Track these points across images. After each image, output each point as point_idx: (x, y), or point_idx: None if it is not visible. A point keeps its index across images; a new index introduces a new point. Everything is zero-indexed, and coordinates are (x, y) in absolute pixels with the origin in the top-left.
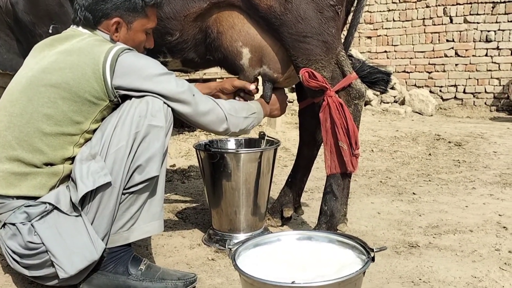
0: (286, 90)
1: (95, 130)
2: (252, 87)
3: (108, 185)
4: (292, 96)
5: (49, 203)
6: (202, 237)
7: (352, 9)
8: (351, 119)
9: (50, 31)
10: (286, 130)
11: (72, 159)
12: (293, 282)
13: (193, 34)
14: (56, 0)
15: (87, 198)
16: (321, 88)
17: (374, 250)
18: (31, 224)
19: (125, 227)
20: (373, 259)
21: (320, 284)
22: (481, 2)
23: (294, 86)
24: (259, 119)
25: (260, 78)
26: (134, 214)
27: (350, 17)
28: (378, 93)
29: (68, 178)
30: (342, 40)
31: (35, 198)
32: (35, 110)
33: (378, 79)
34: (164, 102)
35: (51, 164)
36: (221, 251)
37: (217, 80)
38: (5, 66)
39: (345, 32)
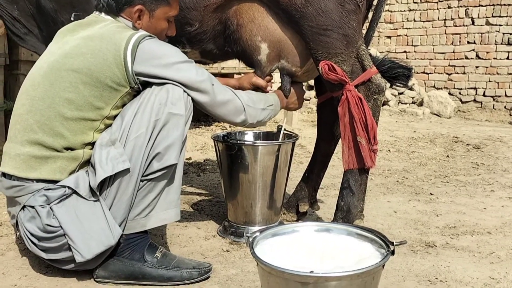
0: (304, 87)
1: (115, 116)
2: (268, 89)
3: (126, 171)
4: (309, 94)
5: (69, 187)
6: (217, 229)
7: (374, 3)
8: (370, 114)
9: (72, 19)
10: (302, 127)
11: (92, 144)
12: (311, 272)
13: (213, 25)
14: None
15: (105, 184)
16: (340, 82)
17: (395, 243)
18: (50, 207)
19: (143, 214)
20: (393, 252)
21: (339, 275)
22: (504, 4)
23: (311, 83)
24: (276, 111)
25: (278, 71)
26: (151, 201)
27: (371, 12)
28: (396, 93)
29: (87, 163)
30: (363, 35)
31: (54, 181)
32: (56, 95)
33: (398, 74)
34: (184, 91)
35: (71, 149)
36: (236, 243)
37: (235, 75)
38: (36, 48)
39: (367, 26)
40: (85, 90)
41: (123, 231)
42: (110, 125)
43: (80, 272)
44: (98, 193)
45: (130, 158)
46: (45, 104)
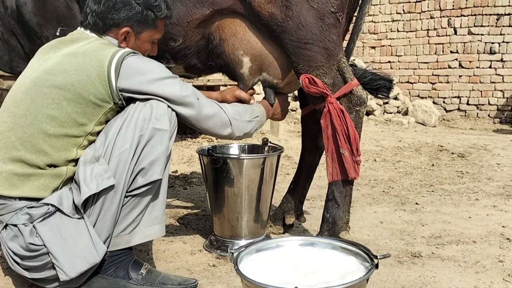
0: (289, 98)
1: (98, 133)
2: (252, 102)
3: (111, 188)
4: (294, 105)
5: (52, 205)
6: (203, 243)
7: (354, 16)
8: (352, 126)
9: (58, 34)
10: (289, 138)
11: (75, 161)
12: None
13: (196, 40)
14: (64, 2)
15: (89, 201)
16: (322, 94)
17: (378, 257)
18: (33, 226)
19: (127, 230)
20: (376, 266)
21: None
22: (486, 14)
23: (296, 94)
24: (262, 122)
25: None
26: (136, 217)
27: (352, 25)
28: (382, 103)
29: (71, 180)
30: (344, 47)
31: (37, 199)
32: (39, 111)
33: (380, 86)
34: (168, 106)
35: (54, 166)
36: (222, 257)
37: (221, 87)
38: (4, 66)
39: (348, 39)
40: (68, 106)
41: (107, 248)
42: (94, 141)
43: None
44: (82, 211)
45: (115, 174)
46: (28, 121)
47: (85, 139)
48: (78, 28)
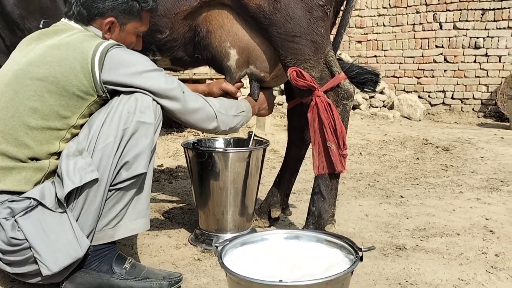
0: (275, 92)
1: (82, 126)
2: (238, 94)
3: (94, 181)
4: (281, 99)
5: (34, 199)
6: (188, 237)
7: (342, 9)
8: (339, 119)
9: (41, 26)
10: (275, 132)
11: (58, 154)
12: (280, 281)
13: (183, 33)
14: None
15: (72, 194)
16: (309, 88)
17: (363, 249)
18: (15, 220)
19: (111, 225)
20: (361, 258)
21: (308, 283)
22: (471, 9)
23: (283, 88)
24: (248, 117)
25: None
26: (120, 211)
27: (339, 18)
28: (367, 97)
29: (53, 173)
30: (331, 41)
31: (19, 193)
32: (21, 104)
33: (367, 80)
34: (153, 99)
35: (37, 159)
36: (208, 251)
37: (207, 80)
38: None
39: (335, 33)
40: (50, 99)
41: (90, 242)
42: (77, 134)
43: (47, 286)
44: (65, 204)
45: (98, 168)
46: (9, 113)
47: (68, 132)
48: (62, 19)
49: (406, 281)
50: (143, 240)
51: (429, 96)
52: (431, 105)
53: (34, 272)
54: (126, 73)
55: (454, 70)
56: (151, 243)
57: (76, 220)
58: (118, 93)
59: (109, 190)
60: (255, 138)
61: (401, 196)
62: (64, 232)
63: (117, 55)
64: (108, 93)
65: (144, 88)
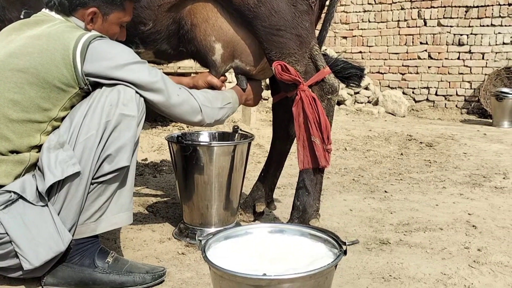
0: (261, 85)
1: (63, 118)
2: (223, 88)
3: (76, 174)
4: (266, 93)
5: (14, 192)
6: (172, 231)
7: (327, 3)
8: (324, 114)
9: (22, 16)
10: (261, 127)
11: (39, 147)
12: (264, 275)
13: (167, 25)
14: None
15: (54, 188)
16: (294, 82)
17: (347, 243)
18: None
19: (93, 218)
20: (345, 252)
21: (291, 277)
22: (455, 6)
23: (268, 83)
24: (234, 109)
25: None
26: (102, 205)
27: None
28: (353, 93)
29: (34, 166)
30: (317, 35)
31: None
32: (0, 96)
33: (351, 74)
34: (136, 92)
35: (17, 152)
36: (192, 245)
37: (192, 74)
38: None
39: (319, 27)
40: (31, 91)
41: (72, 236)
42: (58, 127)
43: (28, 280)
44: (46, 198)
45: (80, 161)
46: None
47: (49, 125)
48: (43, 9)
49: (390, 275)
50: (127, 234)
51: (413, 92)
52: (415, 101)
53: (15, 267)
54: (108, 65)
55: (438, 67)
56: (135, 237)
57: (58, 214)
58: (100, 85)
59: (91, 184)
60: (240, 132)
61: (385, 191)
62: (46, 225)
63: (99, 47)
64: (90, 85)
65: (127, 80)
